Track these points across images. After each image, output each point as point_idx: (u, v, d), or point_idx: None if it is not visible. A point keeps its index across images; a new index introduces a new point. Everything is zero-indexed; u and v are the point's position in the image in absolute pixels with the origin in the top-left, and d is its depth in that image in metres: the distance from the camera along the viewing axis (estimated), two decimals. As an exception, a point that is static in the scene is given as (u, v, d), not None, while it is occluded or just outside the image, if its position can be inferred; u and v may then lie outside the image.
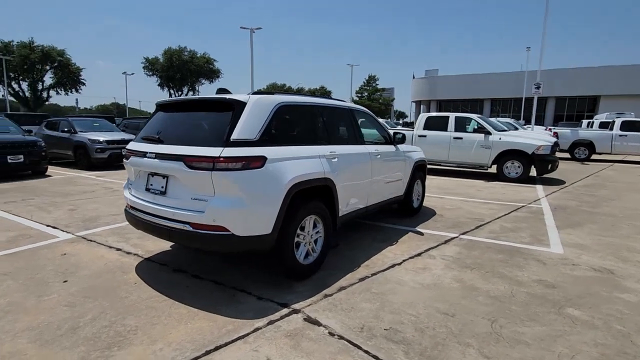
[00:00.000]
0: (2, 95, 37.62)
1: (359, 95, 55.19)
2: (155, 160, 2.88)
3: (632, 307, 2.78)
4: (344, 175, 3.57)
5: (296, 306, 2.71)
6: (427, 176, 9.78)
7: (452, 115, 9.92)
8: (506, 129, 12.13)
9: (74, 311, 2.61)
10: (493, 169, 9.31)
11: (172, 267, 3.43)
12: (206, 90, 51.08)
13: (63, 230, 4.54)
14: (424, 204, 6.10)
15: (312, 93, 63.68)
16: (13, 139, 8.44)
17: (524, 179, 8.79)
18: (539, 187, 8.19)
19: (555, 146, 9.00)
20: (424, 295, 2.92)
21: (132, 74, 45.43)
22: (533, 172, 8.84)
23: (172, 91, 44.50)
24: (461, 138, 9.52)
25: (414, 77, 50.54)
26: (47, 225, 4.74)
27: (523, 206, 6.26)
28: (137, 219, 3.08)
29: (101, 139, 10.32)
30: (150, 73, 43.90)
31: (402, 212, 5.39)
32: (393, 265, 3.54)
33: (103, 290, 2.94)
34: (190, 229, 2.68)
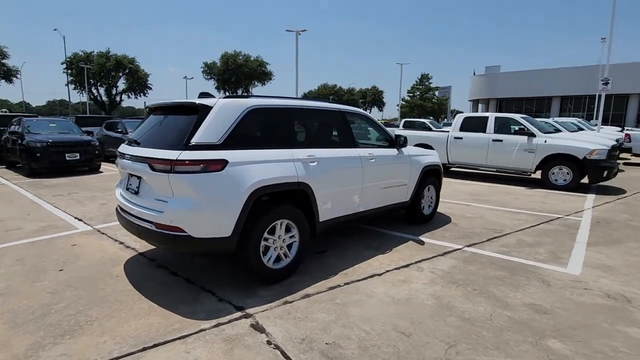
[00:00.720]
0: (90, 99, 42.78)
1: (411, 94, 53.53)
2: (130, 161, 3.05)
3: (634, 345, 2.34)
4: (325, 179, 3.47)
5: (250, 310, 2.70)
6: (461, 181, 9.33)
7: (492, 116, 9.19)
8: (561, 129, 10.95)
9: (53, 298, 2.87)
10: (538, 175, 8.45)
11: (157, 263, 3.60)
12: (258, 92, 53.08)
13: (86, 223, 5.01)
14: (442, 211, 5.74)
15: (363, 93, 62.99)
16: (71, 139, 9.51)
17: (574, 187, 7.85)
18: (590, 197, 7.25)
19: (613, 150, 7.89)
20: (389, 311, 2.73)
21: (192, 78, 48.92)
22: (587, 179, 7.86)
23: (227, 93, 46.98)
24: (501, 140, 8.78)
25: (474, 74, 47.75)
26: (75, 218, 5.26)
27: (558, 218, 5.59)
28: (120, 217, 3.29)
29: (147, 139, 11.19)
30: (209, 77, 46.79)
31: (411, 219, 5.11)
32: (372, 276, 3.36)
33: (87, 281, 3.19)
34: (154, 228, 2.79)
